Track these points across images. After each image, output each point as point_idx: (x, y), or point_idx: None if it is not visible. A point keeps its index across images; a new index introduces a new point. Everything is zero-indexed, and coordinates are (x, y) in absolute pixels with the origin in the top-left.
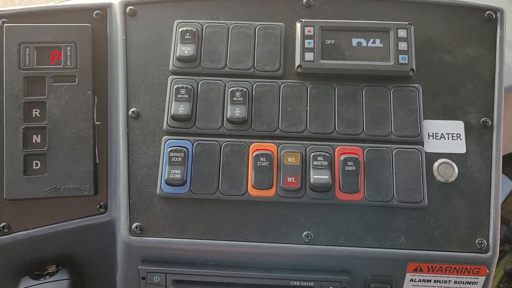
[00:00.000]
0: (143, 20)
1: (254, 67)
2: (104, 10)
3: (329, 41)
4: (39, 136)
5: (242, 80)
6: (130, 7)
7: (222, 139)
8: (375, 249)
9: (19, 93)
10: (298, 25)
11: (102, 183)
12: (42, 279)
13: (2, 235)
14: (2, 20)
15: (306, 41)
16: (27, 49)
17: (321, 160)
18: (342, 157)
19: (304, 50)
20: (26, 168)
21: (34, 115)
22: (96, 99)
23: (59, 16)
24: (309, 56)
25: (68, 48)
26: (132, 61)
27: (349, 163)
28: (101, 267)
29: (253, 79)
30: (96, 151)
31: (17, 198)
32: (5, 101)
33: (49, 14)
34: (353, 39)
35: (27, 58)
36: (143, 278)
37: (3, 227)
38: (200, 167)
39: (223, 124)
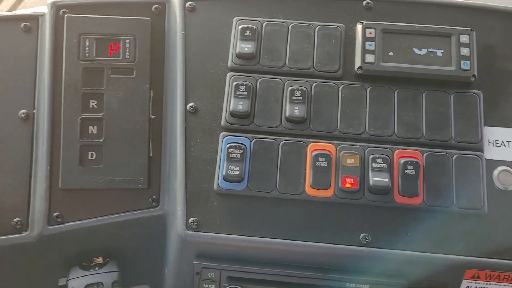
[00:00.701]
0: (202, 15)
1: (313, 67)
2: (163, 4)
3: (390, 44)
4: (95, 127)
5: (301, 80)
6: (190, 2)
7: (280, 137)
8: (433, 255)
9: (77, 83)
10: (359, 26)
11: (155, 177)
12: (91, 270)
13: (55, 225)
14: (63, 10)
15: (367, 43)
16: (87, 40)
17: (380, 163)
18: (401, 161)
19: (364, 52)
20: (82, 159)
21: (91, 106)
22: (152, 92)
23: (119, 9)
24: (369, 58)
25: (127, 41)
26: (190, 56)
27: (409, 167)
28: (148, 261)
29: (312, 79)
30: (151, 144)
31: (72, 188)
32: (63, 91)
33: (109, 6)
34: (414, 43)
35: (86, 49)
36: (198, 273)
37: (56, 217)
38: (258, 165)
39: (281, 122)
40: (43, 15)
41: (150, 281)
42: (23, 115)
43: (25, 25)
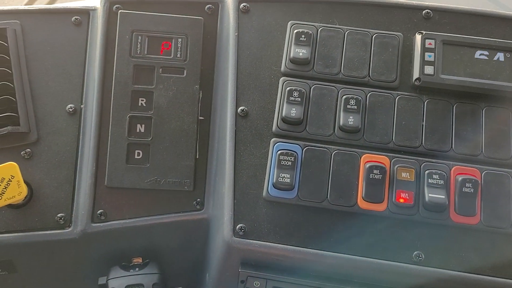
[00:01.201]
0: (256, 18)
1: (369, 76)
2: (216, 4)
3: (450, 56)
4: (143, 125)
5: (356, 88)
6: (244, 3)
7: (333, 146)
8: (489, 278)
9: (128, 80)
10: (418, 36)
11: (200, 180)
12: (131, 270)
13: (99, 222)
14: (116, 6)
15: (427, 53)
16: (139, 37)
17: (436, 179)
18: (459, 178)
19: (424, 62)
20: (129, 157)
21: (140, 104)
22: (201, 93)
23: (172, 7)
24: (429, 69)
25: (179, 40)
26: (242, 58)
27: (467, 185)
28: (186, 264)
29: (368, 88)
30: (197, 146)
31: (118, 186)
32: (113, 87)
33: (162, 4)
34: (476, 56)
35: (138, 46)
36: (242, 282)
37: (100, 214)
38: (309, 174)
39: (334, 131)
40: (94, 10)
41: (185, 284)
42: (70, 110)
43: (76, 18)
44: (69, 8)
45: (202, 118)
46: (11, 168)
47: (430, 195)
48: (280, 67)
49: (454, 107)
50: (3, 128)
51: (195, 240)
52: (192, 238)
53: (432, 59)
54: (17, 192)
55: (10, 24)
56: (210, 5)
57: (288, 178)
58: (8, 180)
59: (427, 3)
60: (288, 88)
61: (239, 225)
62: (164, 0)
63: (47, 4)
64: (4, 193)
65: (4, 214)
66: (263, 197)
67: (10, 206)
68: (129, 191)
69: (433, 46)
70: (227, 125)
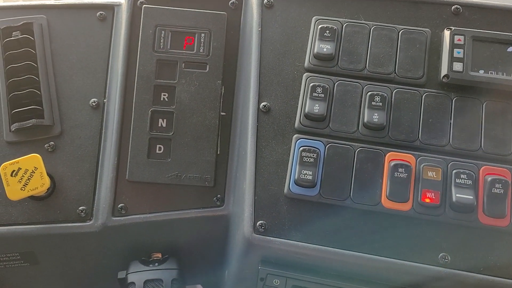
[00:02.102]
0: (279, 13)
1: (395, 72)
2: (240, 0)
3: (480, 52)
4: (165, 120)
5: (381, 85)
6: None
7: (357, 144)
8: None
9: (150, 75)
10: (447, 32)
11: (221, 176)
12: (150, 265)
13: (119, 216)
14: (140, 1)
15: (456, 50)
16: (163, 32)
17: (464, 178)
18: (488, 178)
19: (452, 59)
20: (150, 152)
21: (162, 99)
22: (223, 89)
23: (195, 2)
24: (457, 66)
25: (202, 35)
26: (265, 54)
27: (497, 185)
28: (204, 260)
29: (393, 85)
30: (219, 142)
31: (139, 180)
32: (136, 81)
33: None
34: (507, 52)
35: (161, 41)
36: (262, 279)
37: (121, 208)
38: (332, 171)
39: (358, 128)
40: (118, 5)
41: (203, 281)
42: (94, 104)
43: (101, 14)
44: (94, 3)
45: (224, 113)
46: (34, 159)
47: (457, 195)
48: (304, 63)
49: (484, 105)
50: (28, 121)
51: (214, 236)
52: (211, 234)
53: (461, 55)
54: (40, 183)
55: (37, 18)
56: (234, 0)
57: (310, 175)
58: (31, 171)
59: None
60: (311, 84)
61: (260, 222)
62: None
63: None
64: (27, 184)
65: (27, 206)
66: (285, 194)
67: (33, 198)
68: (149, 185)
69: (462, 42)
70: (249, 121)
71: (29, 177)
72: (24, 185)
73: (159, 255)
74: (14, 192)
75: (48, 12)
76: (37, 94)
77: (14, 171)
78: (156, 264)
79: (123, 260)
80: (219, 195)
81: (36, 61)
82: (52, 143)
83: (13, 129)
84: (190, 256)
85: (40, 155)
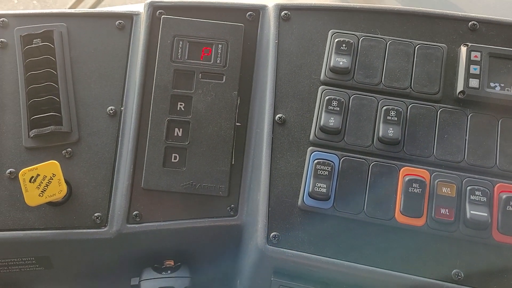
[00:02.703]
0: (296, 25)
1: (411, 87)
2: (257, 12)
3: (497, 69)
4: (181, 129)
5: (397, 100)
6: (285, 11)
7: (371, 158)
8: None
9: (168, 84)
10: (464, 48)
11: (235, 186)
12: (163, 273)
13: (134, 223)
14: (160, 11)
15: (472, 66)
16: (181, 42)
17: (479, 195)
18: (503, 195)
19: (468, 75)
20: (166, 160)
21: (178, 108)
22: (239, 99)
23: (213, 13)
24: (474, 82)
25: (220, 46)
26: (282, 66)
27: (511, 203)
28: (218, 269)
29: (409, 100)
30: (233, 152)
31: (154, 188)
32: (153, 90)
33: (204, 10)
34: None
35: (179, 51)
36: None
37: (136, 216)
38: (346, 184)
39: (373, 142)
40: (137, 14)
41: None
42: (111, 111)
43: (120, 23)
44: (114, 12)
45: (239, 124)
46: (52, 166)
47: (471, 212)
48: (320, 76)
49: (500, 122)
50: (46, 127)
51: (227, 246)
52: (224, 244)
53: (477, 72)
54: (58, 190)
55: (57, 26)
56: (251, 12)
57: (324, 188)
58: (49, 178)
59: (473, 15)
60: (327, 97)
61: (273, 233)
62: (206, 6)
63: (90, 7)
64: (45, 190)
65: (43, 211)
66: (298, 206)
67: (49, 203)
68: (164, 194)
69: (479, 59)
70: (264, 132)
71: (47, 184)
72: (42, 191)
73: (172, 262)
74: (33, 198)
75: (68, 20)
76: (56, 101)
77: (32, 177)
78: (169, 271)
79: (136, 267)
80: (232, 205)
81: (56, 68)
82: (69, 149)
83: (31, 135)
84: (202, 265)
85: (58, 161)
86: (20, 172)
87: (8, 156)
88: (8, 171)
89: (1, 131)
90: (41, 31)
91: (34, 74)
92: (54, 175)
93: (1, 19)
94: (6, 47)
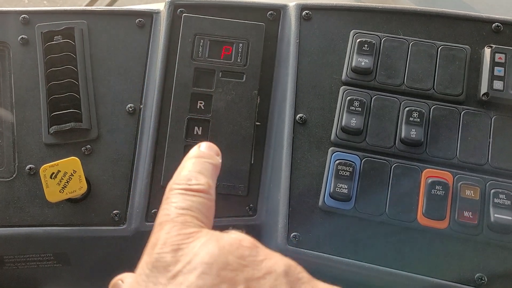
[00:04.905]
0: (317, 25)
1: (433, 89)
2: (278, 11)
3: None
4: (200, 128)
5: (419, 101)
6: (306, 11)
7: (393, 159)
8: None
9: (188, 83)
10: (488, 50)
11: (254, 185)
12: None
13: (152, 221)
14: (180, 9)
15: (496, 68)
16: (202, 41)
17: (503, 199)
18: None
19: (492, 77)
20: None
21: (198, 107)
22: (259, 99)
23: (234, 12)
24: (498, 84)
25: (240, 44)
26: (303, 66)
27: None
28: None
29: (432, 101)
30: (253, 151)
31: None
32: (174, 89)
33: (224, 8)
34: None
35: (200, 49)
36: None
37: (154, 214)
38: (367, 185)
39: (395, 143)
40: (157, 13)
41: None
42: (130, 109)
43: (140, 21)
44: (134, 10)
45: (259, 123)
46: (73, 163)
47: (495, 215)
48: (341, 76)
49: None
50: (66, 124)
51: None
52: None
53: (501, 74)
54: (78, 186)
55: (78, 23)
56: (272, 12)
57: (345, 188)
58: (70, 174)
59: (497, 16)
60: (348, 98)
61: (293, 234)
62: (226, 5)
63: (107, 6)
64: (65, 187)
65: (62, 208)
66: (319, 207)
67: (69, 200)
68: None
69: (503, 61)
70: (284, 132)
71: (68, 180)
72: (63, 187)
73: None
74: (53, 194)
75: (89, 17)
76: (76, 98)
77: (53, 173)
78: None
79: None
80: (251, 205)
81: (76, 65)
82: (89, 146)
83: (51, 132)
84: None
85: (78, 158)
86: (41, 168)
87: (28, 152)
88: (28, 167)
89: (21, 127)
90: (62, 28)
91: (55, 70)
92: (74, 171)
93: (23, 15)
94: (27, 44)
